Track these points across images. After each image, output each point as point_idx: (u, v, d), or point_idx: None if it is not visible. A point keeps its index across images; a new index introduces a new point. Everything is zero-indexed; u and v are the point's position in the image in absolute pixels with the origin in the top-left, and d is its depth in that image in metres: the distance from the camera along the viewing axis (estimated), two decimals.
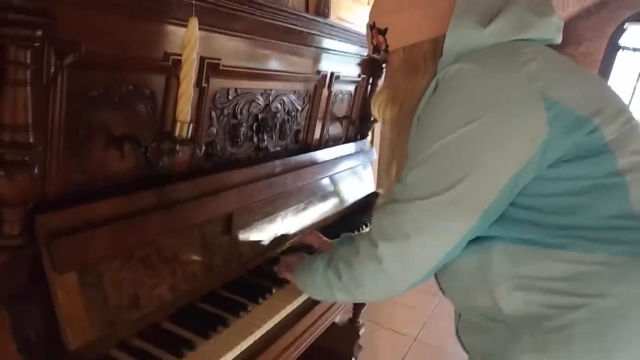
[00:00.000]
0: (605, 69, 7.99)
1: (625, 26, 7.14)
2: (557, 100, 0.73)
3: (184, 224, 1.00)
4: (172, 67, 0.95)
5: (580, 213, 0.75)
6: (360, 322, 2.20)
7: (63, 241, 0.76)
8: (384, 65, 1.04)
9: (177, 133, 0.81)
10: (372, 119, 1.99)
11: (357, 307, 2.17)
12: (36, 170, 0.71)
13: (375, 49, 0.98)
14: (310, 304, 1.20)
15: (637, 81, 7.93)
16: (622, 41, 7.91)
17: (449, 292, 0.93)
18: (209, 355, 0.90)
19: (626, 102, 7.47)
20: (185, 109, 0.80)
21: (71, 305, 0.77)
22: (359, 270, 0.88)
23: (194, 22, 0.77)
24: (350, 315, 2.19)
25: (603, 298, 0.74)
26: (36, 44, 0.66)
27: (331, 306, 1.39)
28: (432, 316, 2.78)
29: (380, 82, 1.95)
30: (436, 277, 0.93)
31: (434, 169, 0.78)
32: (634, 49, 7.96)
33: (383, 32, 0.95)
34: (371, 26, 0.98)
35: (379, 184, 0.96)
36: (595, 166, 0.75)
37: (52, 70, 0.72)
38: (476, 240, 0.81)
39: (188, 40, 0.78)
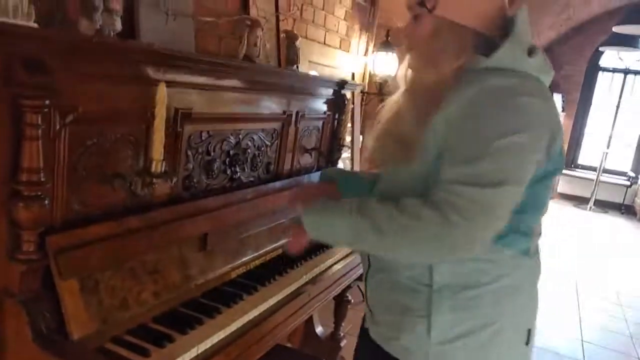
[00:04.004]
0: (587, 90, 8.31)
1: (601, 49, 7.47)
2: (556, 140, 0.97)
3: (164, 242, 1.24)
4: (151, 118, 1.20)
5: (516, 219, 0.93)
6: (342, 334, 2.39)
7: (67, 256, 1.00)
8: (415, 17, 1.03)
9: (153, 169, 1.06)
10: (341, 147, 2.25)
11: (338, 320, 2.37)
12: (46, 201, 0.95)
13: (420, 1, 0.99)
14: (276, 308, 1.42)
15: (619, 99, 8.22)
16: (602, 62, 8.25)
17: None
18: (185, 347, 1.12)
19: (610, 119, 7.65)
20: (158, 150, 1.06)
21: (73, 305, 1.00)
22: (414, 231, 0.90)
23: (162, 86, 1.03)
24: (332, 328, 2.39)
25: (505, 278, 1.01)
26: (45, 110, 0.91)
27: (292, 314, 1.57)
28: None
29: (344, 117, 2.21)
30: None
31: (501, 164, 0.88)
32: (613, 70, 8.30)
33: None
34: None
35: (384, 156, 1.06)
36: (545, 191, 1.02)
37: (57, 127, 0.98)
38: None
39: (158, 99, 1.03)
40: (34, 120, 0.90)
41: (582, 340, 3.26)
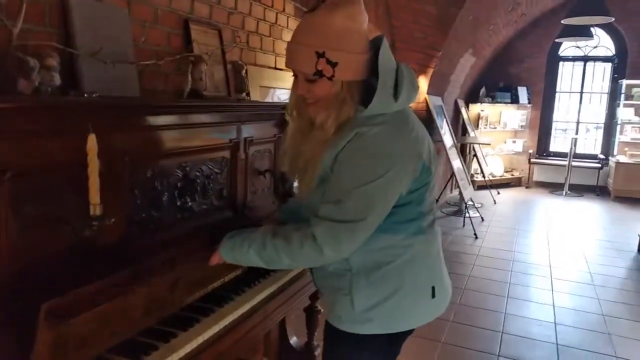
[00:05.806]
0: (551, 80, 8.55)
1: (557, 40, 7.71)
2: (422, 159, 1.28)
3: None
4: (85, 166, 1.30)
5: (400, 214, 1.30)
6: (316, 343, 2.48)
7: (22, 303, 1.09)
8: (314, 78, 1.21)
9: (91, 212, 1.16)
10: None
11: (311, 330, 2.46)
12: None
13: (318, 72, 1.18)
14: (232, 327, 1.52)
15: (582, 85, 8.46)
16: (562, 53, 8.51)
17: None
18: None
19: (576, 106, 8.08)
20: (95, 195, 1.15)
21: (41, 348, 1.09)
22: (298, 254, 1.25)
23: (91, 137, 1.13)
24: (306, 338, 2.48)
25: (402, 256, 1.32)
26: None
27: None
28: None
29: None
30: None
31: (367, 202, 1.20)
32: (573, 58, 8.56)
33: (333, 65, 1.17)
34: (320, 53, 1.15)
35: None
36: (424, 192, 1.33)
37: None
38: None
39: (89, 149, 1.14)
40: None
41: (555, 323, 3.38)
